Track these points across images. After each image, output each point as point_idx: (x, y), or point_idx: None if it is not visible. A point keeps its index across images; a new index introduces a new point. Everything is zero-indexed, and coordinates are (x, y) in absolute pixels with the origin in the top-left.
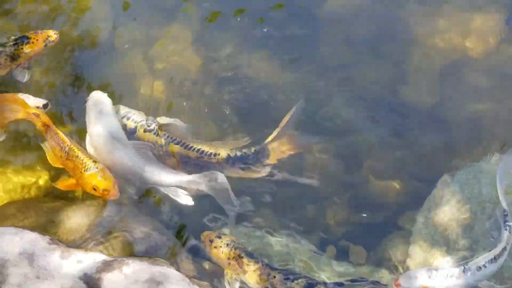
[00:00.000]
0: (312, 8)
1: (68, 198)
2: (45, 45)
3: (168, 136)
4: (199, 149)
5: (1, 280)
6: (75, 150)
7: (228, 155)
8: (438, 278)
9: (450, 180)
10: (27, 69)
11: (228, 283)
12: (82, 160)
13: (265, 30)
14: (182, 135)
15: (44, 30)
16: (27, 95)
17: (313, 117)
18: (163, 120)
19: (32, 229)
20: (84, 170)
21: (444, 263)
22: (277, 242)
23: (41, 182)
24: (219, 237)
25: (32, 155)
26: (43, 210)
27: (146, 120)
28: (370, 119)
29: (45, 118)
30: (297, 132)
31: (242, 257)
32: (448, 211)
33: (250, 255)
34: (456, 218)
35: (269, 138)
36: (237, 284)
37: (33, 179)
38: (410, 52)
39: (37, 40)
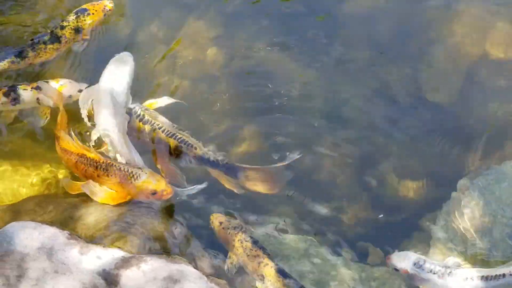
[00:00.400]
0: (332, 8)
1: (87, 195)
2: (104, 15)
3: (153, 123)
4: (180, 137)
5: (20, 274)
6: (114, 164)
7: (203, 153)
8: (423, 269)
9: (470, 184)
10: (87, 40)
11: (228, 267)
12: (128, 170)
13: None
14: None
15: (99, 1)
16: (68, 80)
17: (334, 116)
18: (164, 101)
19: (52, 224)
20: (135, 180)
21: (441, 258)
22: (294, 240)
23: (60, 177)
24: (228, 221)
25: (53, 150)
26: (62, 206)
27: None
28: (391, 119)
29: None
30: (278, 176)
31: (247, 240)
32: (468, 214)
33: (255, 243)
34: (475, 222)
35: (248, 166)
36: (234, 270)
37: (53, 175)
38: (431, 53)
39: (96, 10)
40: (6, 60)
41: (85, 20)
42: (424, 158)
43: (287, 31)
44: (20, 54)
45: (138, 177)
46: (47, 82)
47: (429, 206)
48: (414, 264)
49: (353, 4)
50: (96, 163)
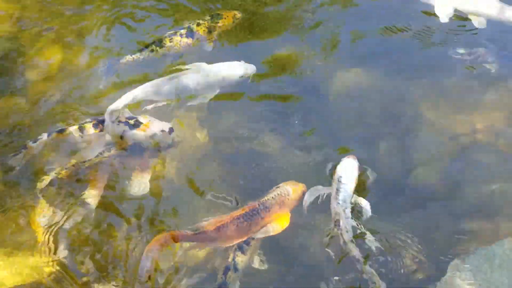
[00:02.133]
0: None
1: None
2: (233, 22)
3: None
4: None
5: None
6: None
7: None
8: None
9: (461, 265)
10: (214, 41)
11: None
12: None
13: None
14: None
15: (231, 11)
16: (152, 118)
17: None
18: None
19: None
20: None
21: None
22: None
23: None
24: None
25: None
26: None
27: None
28: (377, 195)
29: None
30: None
31: None
32: None
33: None
34: None
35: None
36: None
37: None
38: (419, 134)
39: (227, 16)
40: (148, 49)
41: (218, 22)
42: (416, 240)
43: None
44: (160, 43)
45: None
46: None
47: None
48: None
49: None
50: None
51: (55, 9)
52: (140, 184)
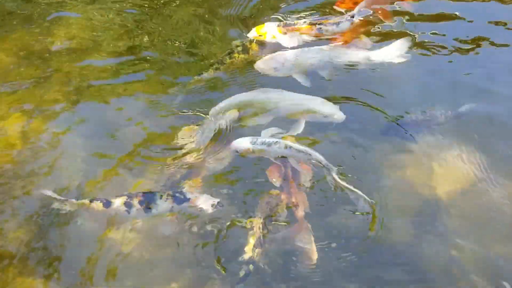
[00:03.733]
0: None
1: None
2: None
3: None
4: None
5: None
6: None
7: None
8: (257, 144)
9: None
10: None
11: None
12: None
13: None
14: None
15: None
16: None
17: None
18: None
19: None
20: None
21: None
22: None
23: None
24: None
25: None
26: None
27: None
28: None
29: None
30: None
31: None
32: None
33: None
34: None
35: None
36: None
37: None
38: (381, 196)
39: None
40: (212, 68)
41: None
42: None
43: None
44: (221, 61)
45: None
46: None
47: None
48: (250, 142)
49: None
50: None
51: None
52: None
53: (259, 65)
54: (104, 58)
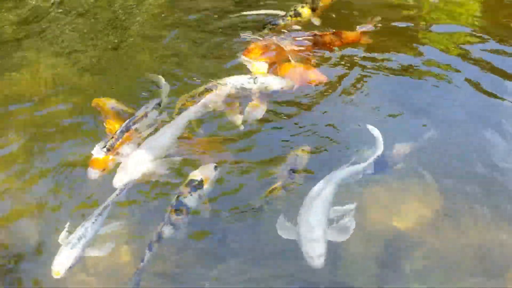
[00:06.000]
0: None
1: None
2: (332, 1)
3: None
4: None
5: None
6: None
7: None
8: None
9: None
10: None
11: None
12: None
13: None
14: None
15: None
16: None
17: None
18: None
19: None
20: None
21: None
22: None
23: None
24: None
25: None
26: None
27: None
28: None
29: None
30: None
31: None
32: None
33: None
34: None
35: None
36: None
37: None
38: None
39: None
40: (266, 28)
41: (319, 2)
42: None
43: None
44: (275, 23)
45: None
46: None
47: None
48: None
49: None
50: None
51: None
52: None
53: None
54: None
